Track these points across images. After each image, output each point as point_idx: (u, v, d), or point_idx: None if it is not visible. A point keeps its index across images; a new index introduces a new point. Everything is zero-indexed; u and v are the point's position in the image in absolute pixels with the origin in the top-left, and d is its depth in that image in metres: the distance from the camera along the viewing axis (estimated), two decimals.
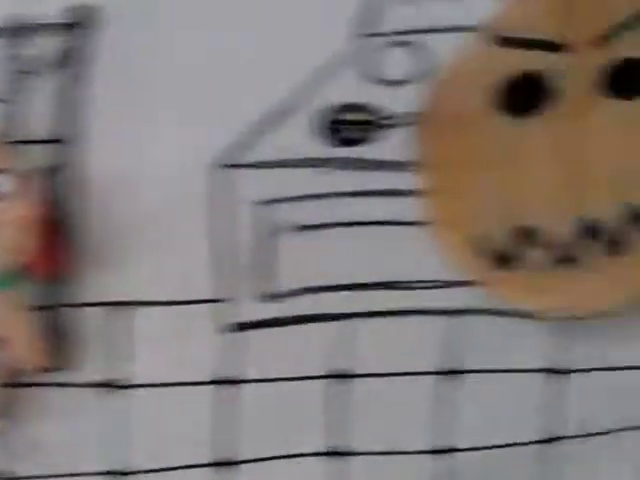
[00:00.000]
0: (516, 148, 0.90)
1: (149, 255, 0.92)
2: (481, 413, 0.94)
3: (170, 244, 0.92)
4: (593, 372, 0.93)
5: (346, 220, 0.92)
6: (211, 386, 0.92)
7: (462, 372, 0.94)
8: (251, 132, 0.91)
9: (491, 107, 0.89)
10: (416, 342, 0.94)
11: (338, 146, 0.92)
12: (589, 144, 0.89)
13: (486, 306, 0.93)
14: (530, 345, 0.94)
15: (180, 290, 0.92)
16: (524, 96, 0.90)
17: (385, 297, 0.93)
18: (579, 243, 0.90)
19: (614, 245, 0.90)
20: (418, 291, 0.93)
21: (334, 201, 0.92)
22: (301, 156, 0.91)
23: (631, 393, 0.94)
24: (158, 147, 0.92)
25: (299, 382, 0.92)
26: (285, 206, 0.92)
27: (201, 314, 0.92)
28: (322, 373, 0.92)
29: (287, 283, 0.92)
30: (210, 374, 0.92)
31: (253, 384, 0.92)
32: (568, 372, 0.93)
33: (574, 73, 0.88)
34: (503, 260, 0.91)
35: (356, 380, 0.93)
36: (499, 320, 0.93)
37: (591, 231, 0.90)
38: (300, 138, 0.91)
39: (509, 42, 0.88)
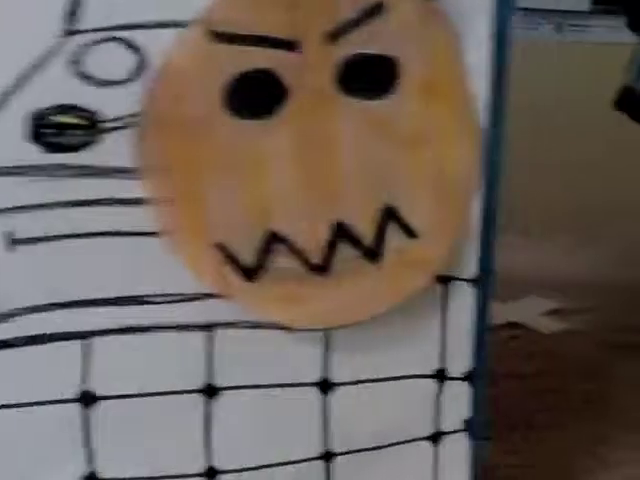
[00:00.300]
0: (255, 151, 0.82)
1: None
2: (245, 430, 0.89)
3: None
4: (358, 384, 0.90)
5: (70, 232, 0.82)
6: None
7: (222, 388, 0.88)
8: None
9: (221, 108, 0.80)
10: (167, 359, 0.87)
11: (53, 152, 0.80)
12: (332, 145, 0.84)
13: (240, 319, 0.86)
14: (290, 357, 0.89)
15: None
16: (257, 96, 0.82)
17: (127, 313, 0.84)
18: (332, 250, 0.85)
19: (369, 252, 0.86)
20: (163, 305, 0.84)
21: (54, 212, 0.80)
22: (12, 163, 0.79)
23: (395, 404, 0.91)
24: None
25: (43, 407, 0.84)
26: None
27: None
28: (66, 397, 0.85)
29: (7, 302, 0.82)
30: None
31: None
32: (331, 385, 0.90)
33: (306, 71, 0.81)
34: (250, 270, 0.84)
35: (106, 402, 0.86)
36: (256, 333, 0.86)
37: (345, 238, 0.85)
38: (10, 144, 0.79)
39: (232, 39, 0.79)
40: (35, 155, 0.80)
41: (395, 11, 0.81)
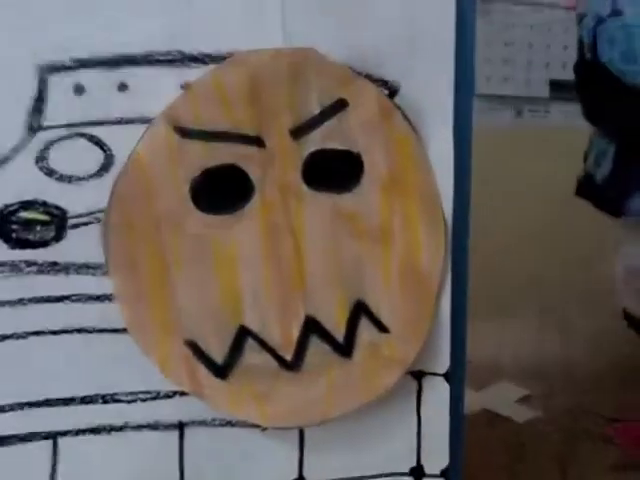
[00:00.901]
0: (224, 246, 0.81)
1: None
2: None
3: None
4: None
5: (37, 329, 0.80)
6: None
7: None
8: None
9: (189, 203, 0.79)
10: (137, 459, 0.85)
11: (19, 248, 0.78)
12: (301, 240, 0.83)
13: (213, 416, 0.85)
14: (264, 455, 0.87)
15: None
16: (224, 191, 0.81)
17: (95, 412, 0.83)
18: (304, 346, 0.84)
19: (341, 347, 0.85)
20: (132, 404, 0.82)
21: (20, 309, 0.79)
22: None
23: None
24: None
25: None
26: None
27: None
28: None
29: None
30: None
31: None
32: None
33: (272, 166, 0.81)
34: (221, 367, 0.83)
35: None
36: (228, 430, 0.84)
37: (316, 333, 0.84)
38: None
39: (197, 134, 0.79)
40: (1, 251, 0.78)
41: (357, 107, 0.82)
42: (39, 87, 0.78)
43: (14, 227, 0.78)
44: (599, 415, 1.69)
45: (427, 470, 0.90)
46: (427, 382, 0.89)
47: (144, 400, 0.83)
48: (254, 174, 0.81)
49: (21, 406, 0.80)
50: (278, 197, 0.82)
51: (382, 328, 0.85)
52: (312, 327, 0.84)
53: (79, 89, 0.78)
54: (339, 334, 0.85)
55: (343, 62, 0.82)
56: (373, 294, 0.85)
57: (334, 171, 0.84)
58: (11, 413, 0.81)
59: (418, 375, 0.88)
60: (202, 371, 0.82)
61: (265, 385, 0.83)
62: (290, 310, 0.83)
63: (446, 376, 0.89)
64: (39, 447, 0.82)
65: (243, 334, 0.83)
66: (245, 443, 0.86)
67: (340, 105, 0.82)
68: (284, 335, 0.83)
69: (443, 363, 0.89)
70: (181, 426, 0.83)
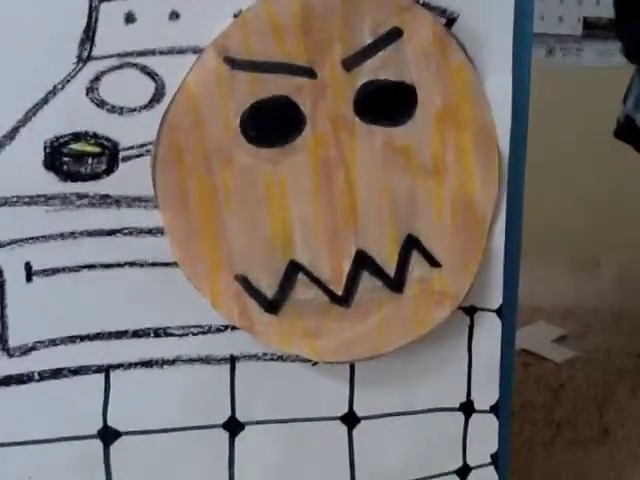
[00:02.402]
0: (274, 180, 0.80)
1: None
2: (268, 466, 0.87)
3: None
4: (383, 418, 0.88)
5: (88, 262, 0.80)
6: None
7: (246, 423, 0.86)
8: None
9: (238, 136, 0.78)
10: (189, 393, 0.85)
11: (70, 180, 0.77)
12: (352, 173, 0.81)
13: (261, 351, 0.85)
14: (314, 391, 0.87)
15: None
16: (275, 123, 0.80)
17: (147, 346, 0.82)
18: (354, 281, 0.83)
19: (392, 283, 0.84)
20: (184, 338, 0.81)
21: (71, 242, 0.78)
22: (29, 192, 0.77)
23: (421, 438, 0.90)
24: None
25: (62, 443, 0.82)
26: (16, 249, 0.77)
27: None
28: (86, 433, 0.83)
29: (28, 335, 0.80)
30: None
31: (9, 448, 0.81)
32: (356, 419, 0.88)
33: (324, 98, 0.79)
34: (272, 302, 0.82)
35: (127, 438, 0.83)
36: (279, 365, 0.85)
37: (367, 268, 0.83)
38: (26, 172, 0.76)
39: (248, 65, 0.77)
40: (51, 184, 0.78)
41: (412, 36, 0.79)
42: (89, 15, 0.76)
43: (65, 159, 0.77)
44: (634, 355, 1.68)
45: (477, 406, 0.89)
46: (479, 318, 0.88)
47: (195, 334, 0.83)
48: (305, 106, 0.79)
49: (73, 339, 0.80)
50: (330, 130, 0.80)
51: (433, 263, 0.84)
52: (363, 262, 0.83)
53: (130, 17, 0.76)
54: (390, 269, 0.83)
55: None
56: (425, 228, 0.83)
57: (387, 103, 0.82)
58: (63, 346, 0.80)
59: (470, 310, 0.87)
60: (253, 306, 0.81)
61: (315, 320, 0.82)
62: (341, 245, 0.82)
63: (498, 312, 0.88)
64: (91, 380, 0.82)
65: (294, 269, 0.82)
66: (295, 377, 0.85)
67: (394, 34, 0.80)
68: (335, 270, 0.82)
69: (496, 299, 0.88)
70: (232, 360, 0.83)
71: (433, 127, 0.82)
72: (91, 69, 0.77)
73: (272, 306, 0.81)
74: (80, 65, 0.76)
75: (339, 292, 0.82)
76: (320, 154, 0.80)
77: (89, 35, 0.76)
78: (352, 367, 0.86)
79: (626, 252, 2.38)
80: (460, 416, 0.89)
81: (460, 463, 0.90)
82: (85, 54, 0.76)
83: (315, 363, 0.85)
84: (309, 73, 0.78)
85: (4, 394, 0.80)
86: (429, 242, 0.84)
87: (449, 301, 0.84)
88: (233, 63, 0.77)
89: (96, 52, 0.76)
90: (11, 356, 0.80)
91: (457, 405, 0.89)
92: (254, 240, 0.80)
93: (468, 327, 0.87)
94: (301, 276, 0.82)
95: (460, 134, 0.82)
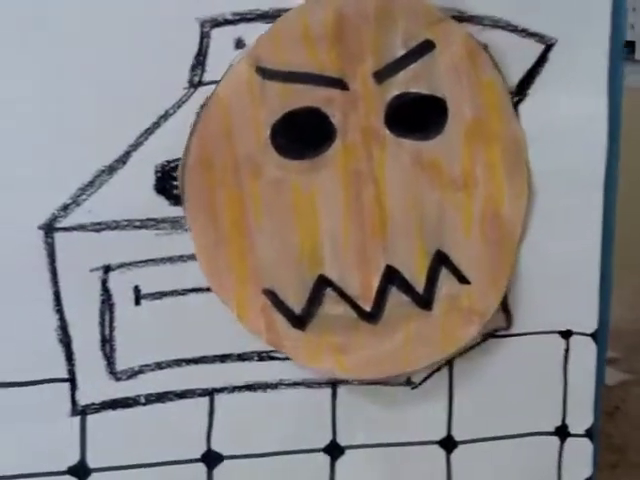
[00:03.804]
0: (303, 192, 0.79)
1: None
2: None
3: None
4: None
5: (195, 286, 0.80)
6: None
7: (346, 447, 0.87)
8: (84, 192, 0.76)
9: (268, 147, 0.78)
10: (294, 417, 0.85)
11: (177, 204, 0.78)
12: (382, 187, 0.80)
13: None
14: (412, 414, 0.88)
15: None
16: (305, 135, 0.79)
17: (251, 369, 0.83)
18: (383, 297, 0.82)
19: (420, 299, 0.83)
20: (287, 362, 0.83)
21: (180, 265, 0.78)
22: (140, 216, 0.77)
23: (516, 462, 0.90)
24: None
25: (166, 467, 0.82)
26: (126, 272, 0.78)
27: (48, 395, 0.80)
28: (190, 457, 0.83)
29: (135, 359, 0.80)
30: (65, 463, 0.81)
31: (117, 472, 0.82)
32: (454, 443, 0.88)
33: (355, 110, 0.78)
34: (300, 318, 0.81)
35: (230, 462, 0.84)
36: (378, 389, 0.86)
37: (396, 283, 0.82)
38: (137, 196, 0.78)
39: (280, 76, 0.77)
40: (162, 208, 0.79)
41: (443, 50, 0.79)
42: (200, 41, 0.76)
43: (175, 184, 0.77)
44: None
45: (572, 430, 0.89)
46: (575, 342, 0.88)
47: None
48: (336, 118, 0.79)
49: (179, 363, 0.80)
50: (360, 142, 0.79)
51: (462, 279, 0.83)
52: (392, 277, 0.81)
53: (240, 43, 0.77)
54: (419, 285, 0.83)
55: (499, 12, 0.80)
56: (453, 244, 0.83)
57: (417, 117, 0.81)
58: (169, 370, 0.81)
59: (566, 334, 0.87)
60: (280, 321, 0.80)
61: (343, 336, 0.81)
62: (370, 260, 0.81)
63: (593, 336, 0.88)
64: (196, 404, 0.82)
65: (322, 284, 0.81)
66: (395, 401, 0.86)
67: (426, 47, 0.79)
68: (363, 285, 0.81)
69: (591, 323, 0.88)
70: (333, 384, 0.83)
71: (463, 141, 0.81)
72: (201, 94, 0.77)
73: (300, 321, 0.81)
74: (191, 90, 0.76)
75: (367, 308, 0.81)
76: (350, 167, 0.79)
77: (200, 60, 0.76)
78: (450, 391, 0.85)
79: None
80: (555, 440, 0.89)
81: None
82: (196, 79, 0.77)
83: (414, 387, 0.85)
84: (340, 85, 0.78)
85: (110, 418, 0.80)
86: (458, 258, 0.83)
87: (477, 318, 0.83)
88: (265, 73, 0.76)
89: (206, 77, 0.77)
90: (118, 380, 0.80)
91: (552, 429, 0.89)
92: (282, 253, 0.79)
93: (564, 351, 0.87)
94: (329, 291, 0.81)
95: (489, 149, 0.82)
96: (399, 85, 0.80)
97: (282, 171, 0.79)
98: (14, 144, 0.75)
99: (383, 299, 0.82)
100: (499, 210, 0.83)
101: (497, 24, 0.81)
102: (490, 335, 0.87)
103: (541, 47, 0.83)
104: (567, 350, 0.88)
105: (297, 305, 0.81)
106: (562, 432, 0.89)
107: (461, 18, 0.80)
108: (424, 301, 0.83)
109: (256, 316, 0.80)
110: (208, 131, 0.77)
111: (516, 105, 0.83)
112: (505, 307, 0.86)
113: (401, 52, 0.79)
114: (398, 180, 0.81)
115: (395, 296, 0.82)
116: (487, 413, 0.87)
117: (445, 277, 0.83)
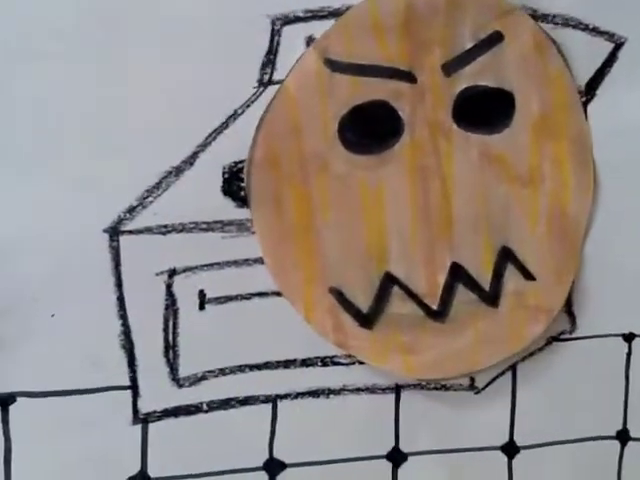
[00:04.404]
0: (370, 188, 0.77)
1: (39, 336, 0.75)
2: None
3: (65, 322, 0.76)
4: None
5: (259, 290, 0.78)
6: None
7: (409, 454, 0.85)
8: (150, 194, 0.74)
9: (336, 142, 0.76)
10: (357, 423, 0.83)
11: (246, 206, 0.76)
12: (449, 182, 0.78)
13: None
14: (475, 420, 0.87)
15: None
16: (373, 129, 0.77)
17: (314, 375, 0.81)
18: (450, 294, 0.80)
19: (487, 296, 0.81)
20: (350, 367, 0.82)
21: (245, 269, 0.76)
22: (206, 219, 0.75)
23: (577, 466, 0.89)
24: (45, 214, 0.74)
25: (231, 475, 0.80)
26: (191, 276, 0.75)
27: (109, 403, 0.77)
28: (252, 465, 0.81)
29: (198, 365, 0.78)
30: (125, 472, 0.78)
31: None
32: (516, 448, 0.87)
33: (423, 103, 0.76)
34: (367, 316, 0.79)
35: (297, 470, 0.82)
36: (441, 394, 0.85)
37: (462, 280, 0.80)
38: (204, 198, 0.75)
39: (348, 68, 0.74)
40: (228, 210, 0.77)
41: (512, 41, 0.77)
42: (271, 39, 0.74)
43: (242, 185, 0.75)
44: None
45: (633, 433, 0.88)
46: (637, 345, 0.87)
47: (362, 363, 0.81)
48: (404, 112, 0.77)
49: (242, 369, 0.78)
50: (428, 137, 0.77)
51: (528, 276, 0.81)
52: (458, 274, 0.80)
53: (311, 41, 0.75)
54: (485, 282, 0.81)
55: (571, 10, 0.79)
56: (519, 240, 0.81)
57: (485, 110, 0.79)
58: (232, 376, 0.79)
59: (628, 337, 0.86)
60: (347, 320, 0.78)
61: (411, 335, 0.79)
62: (436, 256, 0.79)
63: None
64: (259, 410, 0.80)
65: (389, 281, 0.79)
66: (457, 407, 0.84)
67: (495, 38, 0.77)
68: (430, 283, 0.79)
69: None
70: (398, 389, 0.81)
71: (530, 136, 0.80)
72: (271, 93, 0.75)
73: (367, 320, 0.79)
74: (261, 89, 0.74)
75: (434, 306, 0.79)
76: (417, 162, 0.77)
77: (270, 59, 0.74)
78: (513, 396, 0.84)
79: None
80: (616, 444, 0.88)
81: None
82: (266, 78, 0.74)
83: (477, 392, 0.83)
84: (409, 77, 0.76)
85: (172, 426, 0.78)
86: (523, 254, 0.81)
87: (544, 316, 0.82)
88: (333, 65, 0.74)
89: (277, 76, 0.74)
90: (181, 386, 0.78)
91: (614, 433, 0.88)
92: (349, 250, 0.77)
93: (626, 354, 0.86)
94: (396, 289, 0.79)
95: (556, 142, 0.80)
96: (467, 78, 0.77)
97: (349, 166, 0.77)
98: (80, 146, 0.72)
99: (450, 297, 0.80)
100: (565, 207, 0.81)
101: (568, 23, 0.79)
102: (554, 339, 0.84)
103: (611, 46, 0.81)
104: (629, 353, 0.86)
105: (364, 304, 0.79)
106: (623, 436, 0.88)
107: (534, 17, 0.78)
108: (490, 298, 0.81)
109: (323, 316, 0.78)
110: (275, 126, 0.75)
111: (584, 105, 0.80)
112: (569, 309, 0.84)
113: (470, 44, 0.77)
114: (465, 175, 0.79)
115: (461, 293, 0.80)
116: (549, 418, 0.86)
117: (511, 274, 0.81)
